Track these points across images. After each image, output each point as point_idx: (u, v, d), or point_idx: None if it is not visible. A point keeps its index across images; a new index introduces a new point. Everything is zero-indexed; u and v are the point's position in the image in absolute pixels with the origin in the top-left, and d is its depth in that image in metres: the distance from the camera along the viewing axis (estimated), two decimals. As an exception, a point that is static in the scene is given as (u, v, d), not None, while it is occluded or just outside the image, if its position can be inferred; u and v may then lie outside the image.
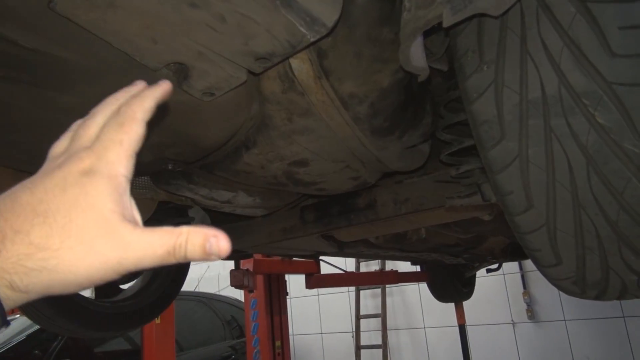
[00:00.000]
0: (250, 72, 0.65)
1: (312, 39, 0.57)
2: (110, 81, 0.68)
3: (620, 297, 0.67)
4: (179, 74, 0.65)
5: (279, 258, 2.87)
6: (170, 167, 1.01)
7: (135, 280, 1.74)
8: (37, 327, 4.24)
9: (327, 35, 0.57)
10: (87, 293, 1.63)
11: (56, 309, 1.44)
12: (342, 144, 0.89)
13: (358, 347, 5.20)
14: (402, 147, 0.96)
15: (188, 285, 5.52)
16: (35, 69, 0.63)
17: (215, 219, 1.71)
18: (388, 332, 5.17)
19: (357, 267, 5.25)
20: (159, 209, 1.37)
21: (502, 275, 4.57)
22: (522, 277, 4.50)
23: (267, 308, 2.98)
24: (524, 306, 4.43)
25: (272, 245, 1.86)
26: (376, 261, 5.20)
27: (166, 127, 0.82)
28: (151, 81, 0.67)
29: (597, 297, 0.69)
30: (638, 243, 0.57)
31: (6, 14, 0.55)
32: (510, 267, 4.48)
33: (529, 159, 0.57)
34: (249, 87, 0.74)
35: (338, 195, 1.35)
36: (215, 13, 0.54)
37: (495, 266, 3.61)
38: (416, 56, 0.61)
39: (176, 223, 1.32)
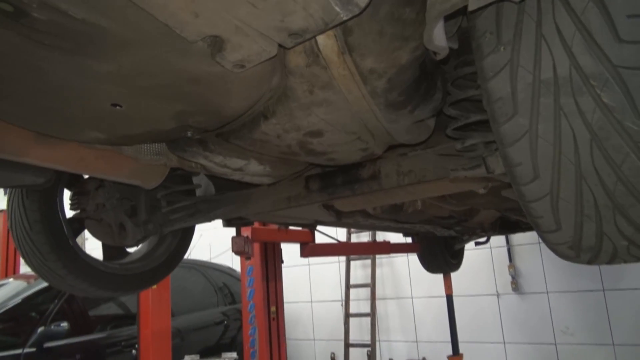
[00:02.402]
0: (280, 46, 0.69)
1: (345, 18, 0.61)
2: (146, 52, 0.72)
3: (610, 261, 0.74)
4: (214, 46, 0.69)
5: (275, 227, 2.94)
6: (189, 135, 1.05)
7: (141, 245, 1.79)
8: (32, 290, 4.31)
9: (359, 15, 0.61)
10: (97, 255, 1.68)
11: (69, 269, 1.50)
12: (356, 116, 0.94)
13: (347, 315, 5.36)
14: (412, 121, 1.01)
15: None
16: (79, 38, 0.67)
17: (220, 187, 1.76)
18: (377, 301, 5.32)
19: (349, 238, 5.35)
20: (167, 176, 1.42)
21: (489, 249, 4.71)
22: (509, 250, 4.64)
23: (263, 275, 3.06)
24: (509, 278, 4.59)
25: (274, 213, 1.92)
26: (367, 233, 5.30)
27: (193, 96, 0.86)
28: (186, 52, 0.72)
29: (590, 261, 0.76)
30: (631, 211, 0.63)
31: None
32: (497, 241, 4.61)
33: (538, 134, 0.63)
34: (274, 60, 0.78)
35: (343, 166, 1.40)
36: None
37: (483, 239, 3.72)
38: (438, 36, 0.65)
39: (176, 191, 1.38)
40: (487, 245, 4.63)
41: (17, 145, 1.05)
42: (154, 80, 0.79)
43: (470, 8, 0.59)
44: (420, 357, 5.02)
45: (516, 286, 4.56)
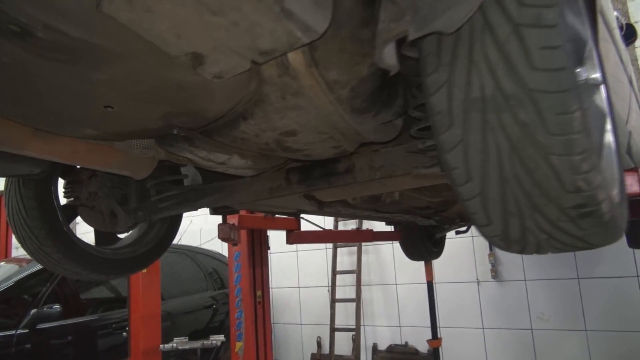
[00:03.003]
0: (253, 62, 0.79)
1: (307, 41, 0.71)
2: (134, 64, 0.82)
3: (537, 251, 0.86)
4: (195, 60, 0.79)
5: (262, 215, 3.04)
6: (175, 132, 1.15)
7: (131, 231, 1.89)
8: (24, 273, 4.39)
9: (318, 39, 0.72)
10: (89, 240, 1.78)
11: (63, 254, 1.60)
12: (326, 119, 1.04)
13: (333, 301, 5.51)
14: (377, 123, 1.12)
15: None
16: (76, 53, 0.77)
17: (206, 177, 1.86)
18: (362, 287, 5.47)
19: (336, 226, 5.48)
20: (156, 167, 1.53)
21: (471, 238, 4.85)
22: (490, 239, 4.79)
23: (250, 260, 3.18)
24: (489, 266, 4.74)
25: (258, 203, 2.02)
26: (354, 221, 5.43)
27: (177, 100, 0.96)
28: (170, 64, 0.81)
29: (520, 251, 0.88)
30: (546, 210, 0.75)
31: (61, 11, 0.68)
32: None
33: (469, 144, 0.74)
34: (249, 71, 0.88)
35: (321, 160, 1.51)
36: (231, 19, 0.68)
37: (464, 229, 3.86)
38: (388, 57, 0.76)
39: (165, 181, 1.51)
40: (469, 234, 4.77)
41: (17, 139, 1.15)
42: (142, 87, 0.90)
43: (410, 38, 0.69)
44: (403, 342, 5.19)
45: (496, 274, 4.73)
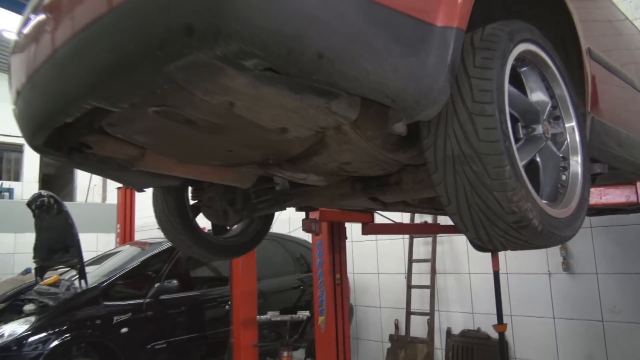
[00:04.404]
0: (316, 131, 1.31)
1: (345, 123, 1.21)
2: (247, 131, 1.36)
3: (504, 249, 1.27)
4: (282, 130, 1.32)
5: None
6: (270, 162, 1.70)
7: (237, 225, 2.51)
8: (148, 255, 5.29)
9: (353, 122, 1.21)
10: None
11: (193, 241, 2.24)
12: (369, 154, 1.53)
13: (409, 287, 5.94)
14: (408, 155, 1.59)
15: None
16: (216, 128, 1.33)
17: (292, 185, 2.42)
18: (436, 275, 5.85)
19: (412, 218, 5.88)
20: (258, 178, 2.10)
21: (543, 231, 5.03)
22: (561, 233, 4.95)
23: (330, 248, 3.73)
24: (560, 259, 4.91)
25: (332, 204, 2.55)
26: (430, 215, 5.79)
27: (271, 147, 1.51)
28: (267, 131, 1.35)
29: (493, 250, 1.29)
30: (498, 224, 1.16)
31: (211, 112, 1.23)
32: (551, 223, 4.92)
33: (447, 182, 1.18)
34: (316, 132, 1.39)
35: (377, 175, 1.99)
36: (301, 114, 1.19)
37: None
38: (397, 128, 1.22)
39: (262, 187, 2.18)
40: (541, 227, 4.97)
41: (169, 167, 1.77)
42: (250, 142, 1.45)
43: (399, 132, 1.16)
44: (476, 327, 5.51)
45: (567, 266, 4.89)
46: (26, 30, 1.43)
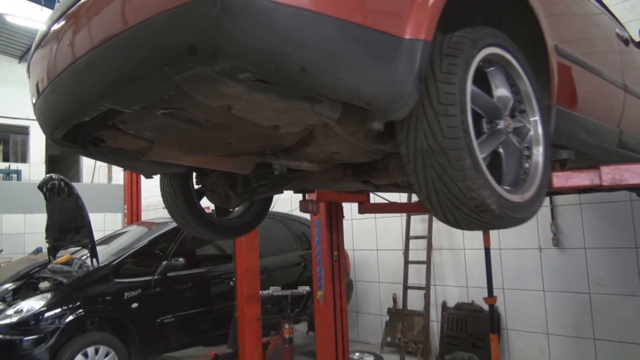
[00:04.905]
0: (305, 128, 1.48)
1: (328, 122, 1.39)
2: (244, 128, 1.54)
3: (470, 229, 1.46)
4: (275, 128, 1.50)
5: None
6: (267, 152, 1.88)
7: (239, 207, 2.70)
8: (155, 234, 5.51)
9: (336, 120, 1.38)
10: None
11: (197, 222, 2.43)
12: (355, 145, 1.70)
13: (406, 262, 6.17)
14: (391, 145, 1.76)
15: (266, 206, 6.52)
16: (217, 126, 1.50)
17: (290, 170, 2.60)
18: (433, 251, 6.07)
19: (410, 198, 6.06)
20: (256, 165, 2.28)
21: (535, 208, 5.22)
22: (552, 210, 5.14)
23: (327, 227, 3.93)
24: (551, 235, 5.11)
25: (327, 186, 2.73)
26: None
27: (266, 140, 1.68)
28: (262, 128, 1.53)
29: (461, 229, 1.48)
30: (461, 208, 1.33)
31: (213, 113, 1.41)
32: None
33: (417, 173, 1.35)
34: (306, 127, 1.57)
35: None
36: (291, 114, 1.36)
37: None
38: (374, 125, 1.39)
39: (262, 172, 2.41)
40: (532, 205, 5.15)
41: (176, 157, 1.95)
42: (247, 136, 1.63)
43: (377, 129, 1.33)
44: (470, 300, 5.75)
45: (557, 242, 5.09)
46: (52, 30, 1.57)
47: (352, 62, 1.15)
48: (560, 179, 1.93)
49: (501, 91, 1.54)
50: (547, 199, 5.04)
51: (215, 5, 1.01)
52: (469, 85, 1.34)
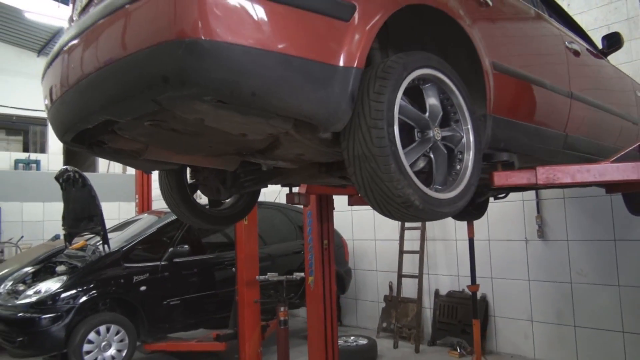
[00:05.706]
0: (268, 135, 1.79)
1: (283, 132, 1.69)
2: (218, 134, 1.84)
3: (402, 220, 1.73)
4: (242, 135, 1.81)
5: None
6: (244, 153, 2.19)
7: (228, 199, 3.02)
8: (163, 222, 5.88)
9: (293, 128, 1.68)
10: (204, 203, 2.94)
11: (190, 212, 2.76)
12: (315, 148, 1.99)
13: (401, 252, 6.46)
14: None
15: (270, 197, 7.00)
16: (194, 133, 1.81)
17: (275, 167, 2.90)
18: (426, 241, 6.35)
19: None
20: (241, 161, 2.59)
21: (522, 201, 5.47)
22: (537, 203, 5.38)
23: (318, 217, 4.24)
24: (536, 227, 5.35)
25: (307, 181, 3.04)
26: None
27: (239, 144, 1.99)
28: (233, 135, 1.83)
29: (396, 220, 1.77)
30: (392, 204, 1.62)
31: (190, 124, 1.72)
32: (529, 195, 5.35)
33: (356, 174, 1.64)
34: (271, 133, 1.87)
35: (335, 160, 2.46)
36: (253, 126, 1.67)
37: (502, 195, 4.55)
38: (323, 135, 1.69)
39: (249, 169, 2.77)
40: (520, 198, 5.41)
41: (167, 156, 2.27)
42: (223, 140, 1.93)
43: (325, 137, 1.62)
44: (461, 289, 6.03)
45: (542, 234, 5.33)
46: (62, 52, 1.88)
47: (294, 86, 1.45)
48: (500, 178, 2.21)
49: (434, 105, 1.82)
50: (533, 192, 5.29)
51: (182, 46, 1.31)
52: (397, 103, 1.63)
